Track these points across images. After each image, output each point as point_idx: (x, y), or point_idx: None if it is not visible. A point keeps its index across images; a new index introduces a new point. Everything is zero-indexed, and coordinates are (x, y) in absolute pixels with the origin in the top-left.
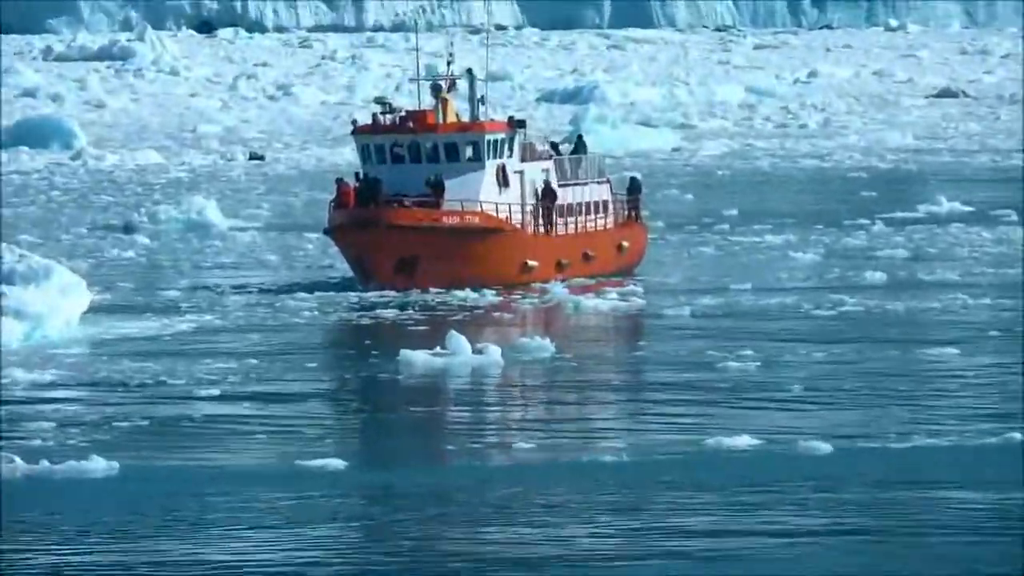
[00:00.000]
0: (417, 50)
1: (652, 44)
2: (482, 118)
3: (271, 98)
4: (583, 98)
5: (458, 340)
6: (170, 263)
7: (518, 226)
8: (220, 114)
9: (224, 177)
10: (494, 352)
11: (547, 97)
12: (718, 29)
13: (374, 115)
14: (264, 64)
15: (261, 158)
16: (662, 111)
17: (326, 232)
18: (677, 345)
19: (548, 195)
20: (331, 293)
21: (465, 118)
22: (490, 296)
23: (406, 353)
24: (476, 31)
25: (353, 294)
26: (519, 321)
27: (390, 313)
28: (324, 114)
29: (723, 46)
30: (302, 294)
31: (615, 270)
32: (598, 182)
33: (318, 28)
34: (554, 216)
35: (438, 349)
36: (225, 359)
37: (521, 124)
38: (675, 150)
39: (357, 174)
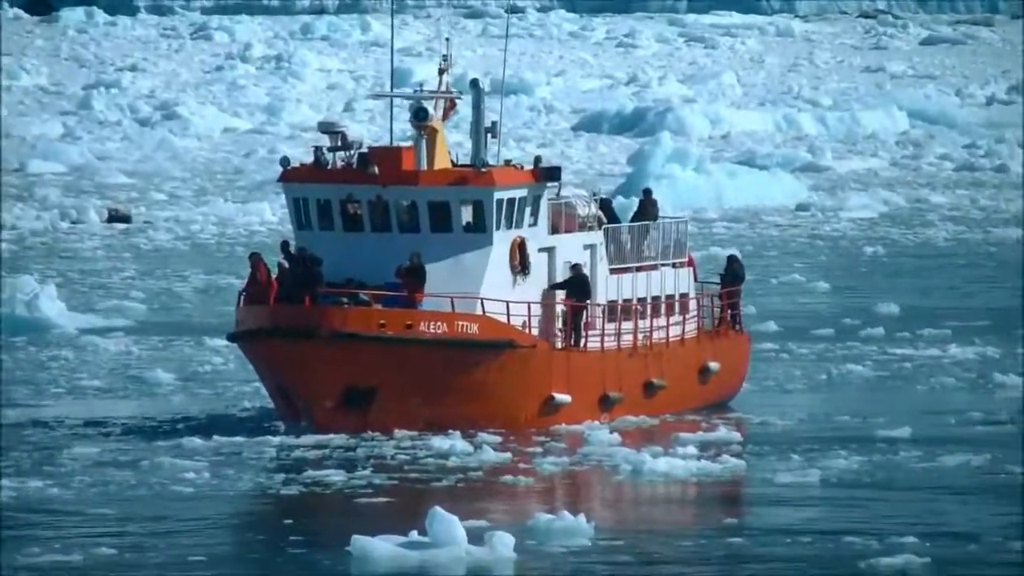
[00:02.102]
0: (393, 46)
1: (757, 37)
2: (492, 161)
3: (144, 122)
4: (648, 125)
5: (443, 521)
6: None
7: (540, 338)
8: (62, 147)
9: (69, 250)
10: (501, 540)
11: (590, 123)
12: (865, 15)
13: (317, 151)
14: (133, 68)
15: (127, 219)
16: (776, 147)
17: (232, 339)
18: (797, 533)
19: (577, 287)
20: (239, 439)
21: (464, 161)
22: (492, 449)
23: (360, 541)
24: (475, 14)
25: (273, 440)
26: (540, 490)
27: (333, 475)
28: (231, 149)
29: (873, 41)
30: (193, 441)
31: (698, 406)
32: (674, 264)
33: (220, 9)
34: (584, 321)
35: (412, 535)
36: (64, 549)
37: (553, 174)
38: (800, 208)
39: (285, 246)
